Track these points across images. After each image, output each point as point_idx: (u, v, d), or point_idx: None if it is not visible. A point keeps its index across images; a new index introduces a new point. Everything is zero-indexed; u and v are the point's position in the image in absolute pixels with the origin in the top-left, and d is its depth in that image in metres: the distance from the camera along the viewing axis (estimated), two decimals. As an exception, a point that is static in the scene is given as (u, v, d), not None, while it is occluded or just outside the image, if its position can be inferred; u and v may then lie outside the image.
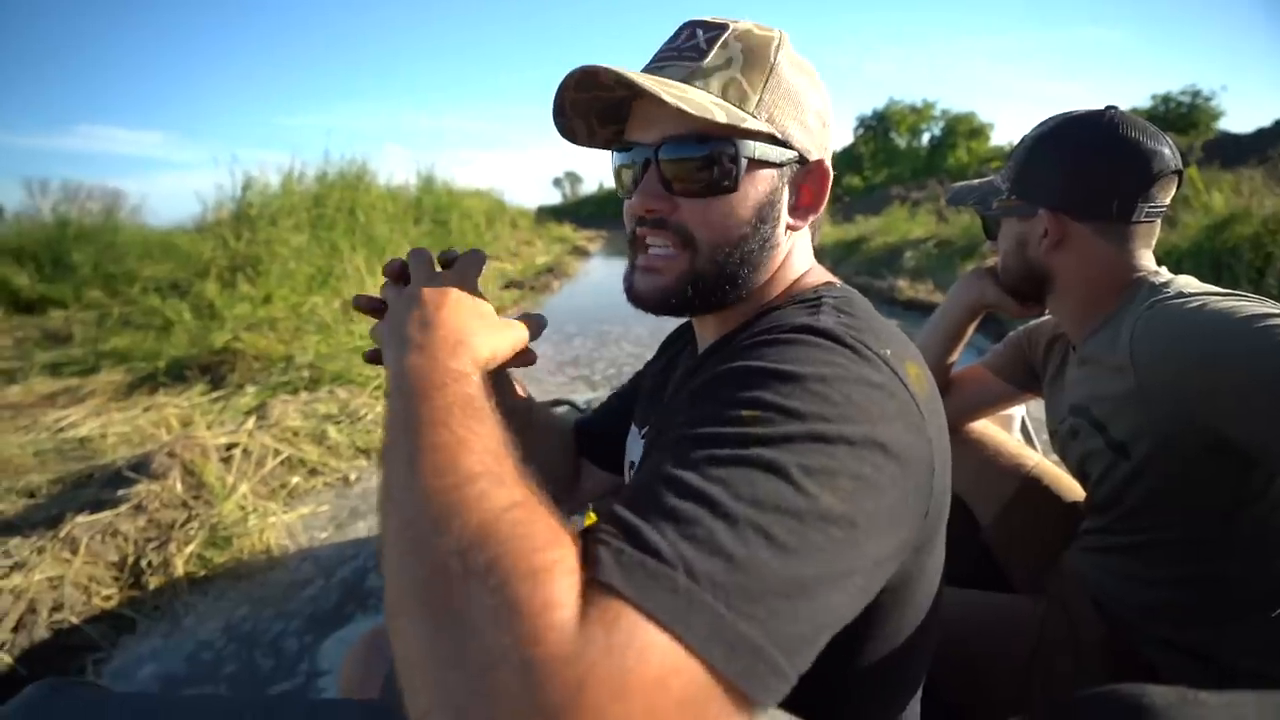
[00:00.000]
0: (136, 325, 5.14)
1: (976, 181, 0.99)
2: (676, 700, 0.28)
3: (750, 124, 0.52)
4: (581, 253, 14.57)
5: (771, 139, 0.55)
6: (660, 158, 0.54)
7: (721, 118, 0.50)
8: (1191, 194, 5.14)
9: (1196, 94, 23.53)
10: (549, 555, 0.31)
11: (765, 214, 0.56)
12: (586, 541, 0.33)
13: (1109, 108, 0.81)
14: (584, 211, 36.81)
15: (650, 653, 0.28)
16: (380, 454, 0.40)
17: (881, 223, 10.60)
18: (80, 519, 2.19)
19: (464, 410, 0.40)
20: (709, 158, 0.53)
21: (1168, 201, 0.79)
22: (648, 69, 0.55)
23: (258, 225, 6.26)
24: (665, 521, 0.33)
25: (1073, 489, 1.05)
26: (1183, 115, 22.80)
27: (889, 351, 0.46)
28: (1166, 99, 23.90)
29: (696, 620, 0.30)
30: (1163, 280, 0.78)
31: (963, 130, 31.90)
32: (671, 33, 0.57)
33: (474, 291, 0.56)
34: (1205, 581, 0.75)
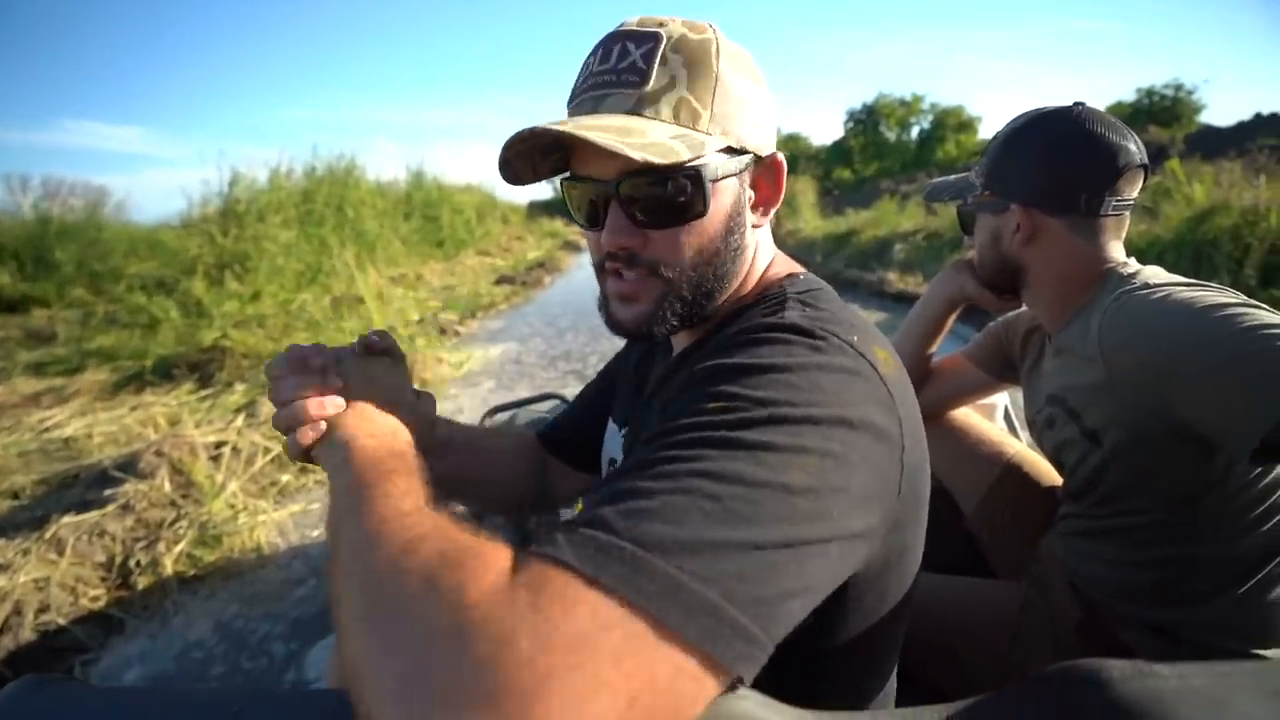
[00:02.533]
0: (122, 323, 5.09)
1: (953, 177, 1.01)
2: (612, 655, 0.28)
3: (709, 145, 0.51)
4: (573, 247, 14.53)
5: (729, 150, 0.54)
6: (623, 193, 0.52)
7: (685, 155, 0.49)
8: (1173, 186, 5.21)
9: (1179, 88, 23.76)
10: (469, 547, 0.34)
11: (733, 225, 0.56)
12: (554, 529, 0.34)
13: (1076, 104, 0.82)
14: (574, 217, 36.55)
15: (579, 609, 0.29)
16: (330, 521, 0.45)
17: (871, 216, 10.63)
18: (66, 520, 2.18)
19: (393, 476, 0.45)
20: (671, 189, 0.51)
21: (1134, 195, 0.81)
22: (584, 96, 0.53)
23: (245, 221, 6.20)
24: (621, 501, 0.34)
25: (1052, 476, 1.07)
26: (1166, 108, 23.02)
27: (855, 338, 0.47)
28: (1150, 92, 24.12)
29: (645, 583, 0.31)
30: (1131, 271, 0.80)
31: (951, 123, 32.06)
32: (596, 47, 0.54)
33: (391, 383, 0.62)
34: (1175, 563, 0.77)
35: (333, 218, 7.32)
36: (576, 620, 0.29)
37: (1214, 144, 10.23)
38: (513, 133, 0.49)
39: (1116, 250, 0.83)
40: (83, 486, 2.53)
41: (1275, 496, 0.71)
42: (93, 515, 2.22)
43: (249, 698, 0.38)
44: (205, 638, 1.83)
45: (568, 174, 0.57)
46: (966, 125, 32.02)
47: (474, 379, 4.28)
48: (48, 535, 2.11)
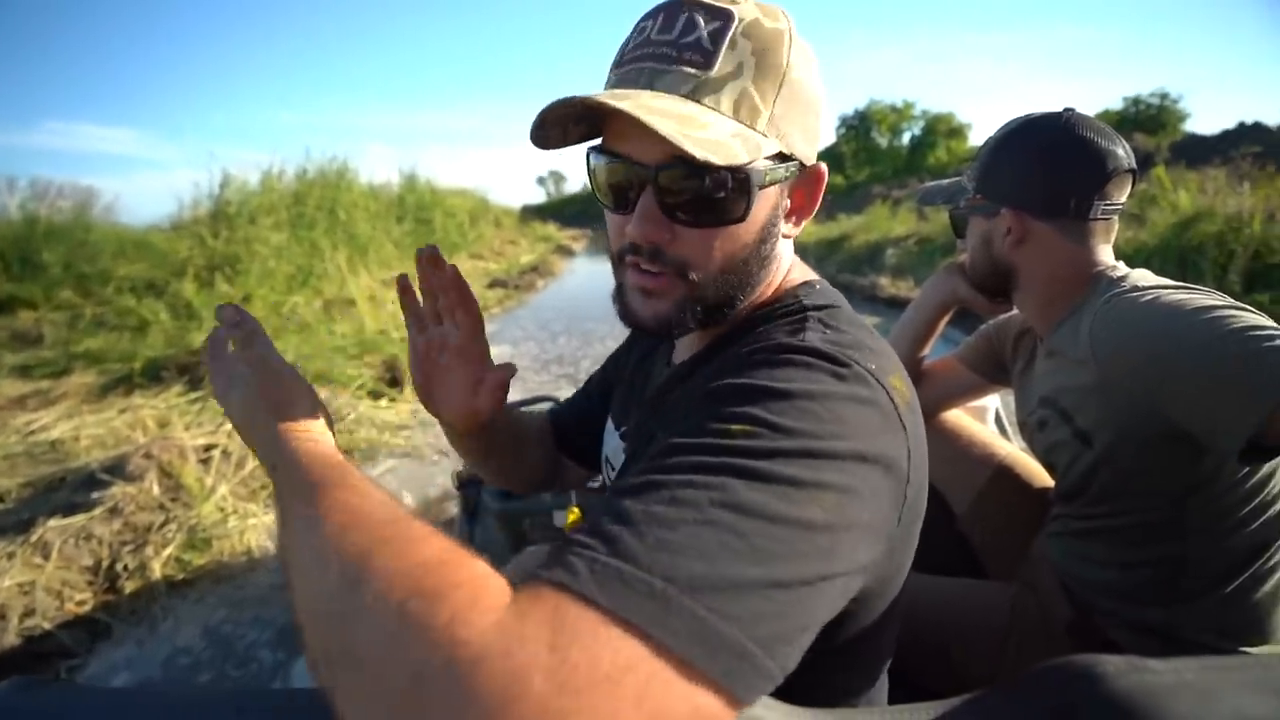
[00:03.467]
0: (111, 326, 5.04)
1: (945, 181, 1.02)
2: (634, 696, 0.27)
3: (765, 148, 0.48)
4: (566, 252, 14.54)
5: (779, 155, 0.50)
6: (661, 181, 0.48)
7: (744, 158, 0.45)
8: (1159, 193, 5.27)
9: (1164, 96, 24.06)
10: (457, 566, 0.32)
11: (767, 234, 0.53)
12: (565, 551, 0.32)
13: (1066, 110, 0.83)
14: (568, 210, 36.60)
15: (600, 648, 0.28)
16: (279, 521, 0.41)
17: (863, 221, 10.71)
18: (52, 523, 2.15)
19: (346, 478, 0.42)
20: (720, 187, 0.47)
21: (1123, 199, 0.82)
22: (638, 65, 0.49)
23: (236, 224, 6.17)
24: (644, 527, 0.33)
25: (1043, 478, 1.08)
26: (1152, 116, 23.30)
27: (874, 366, 0.46)
28: (1137, 101, 24.40)
29: (674, 622, 0.29)
30: (1120, 274, 0.81)
31: (942, 130, 32.34)
32: (655, 10, 0.49)
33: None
34: (1164, 563, 0.78)
35: (325, 220, 7.29)
36: (599, 661, 0.27)
37: (1199, 152, 10.37)
38: (559, 97, 0.45)
39: (1106, 254, 0.84)
40: (69, 490, 2.50)
41: (1262, 495, 0.72)
42: (80, 519, 2.19)
43: (243, 697, 0.38)
44: (193, 643, 1.81)
45: (598, 144, 0.52)
46: (957, 131, 32.31)
47: (467, 382, 4.26)
48: (33, 539, 2.08)
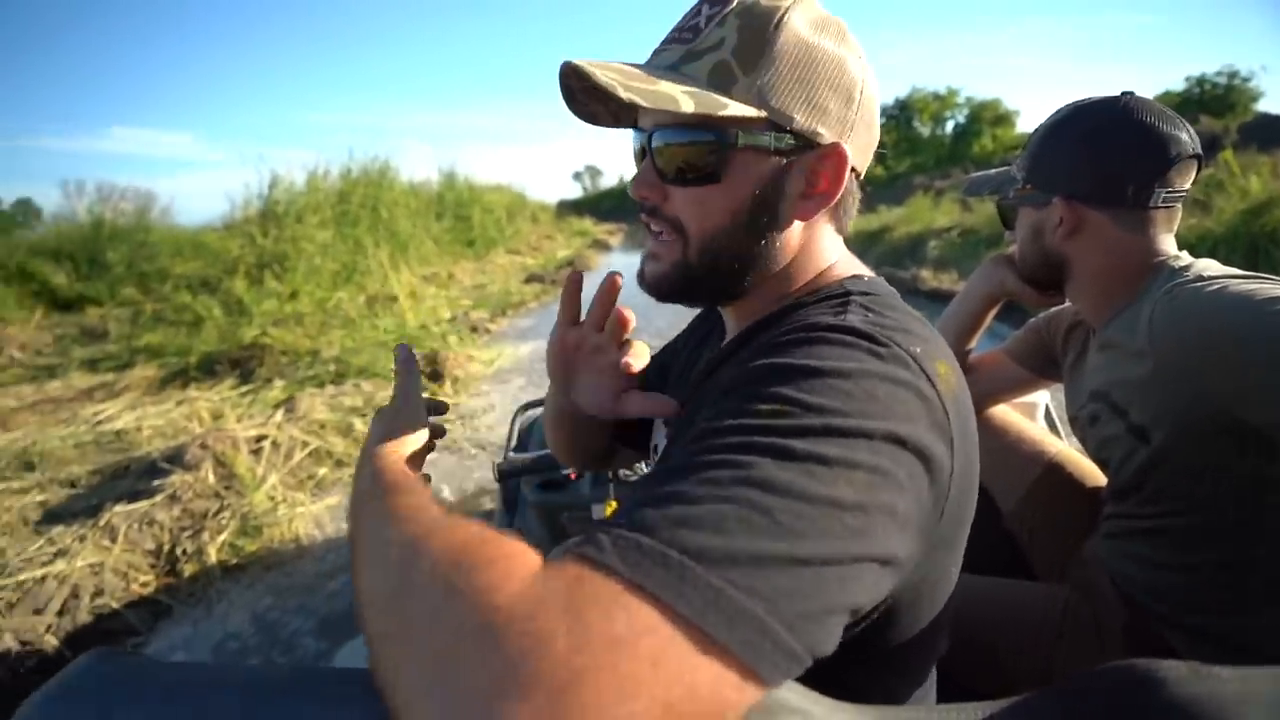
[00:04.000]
0: (168, 321, 5.29)
1: (993, 171, 0.98)
2: (650, 658, 0.28)
3: (732, 110, 0.49)
4: (602, 246, 14.60)
5: (768, 124, 0.51)
6: (654, 145, 0.53)
7: (688, 107, 0.47)
8: (1226, 178, 4.99)
9: (1234, 75, 22.70)
10: (495, 545, 0.34)
11: (761, 205, 0.53)
12: (595, 529, 0.34)
13: (1125, 93, 0.79)
14: (604, 205, 36.69)
15: (617, 611, 0.29)
16: (351, 515, 0.47)
17: (904, 212, 10.45)
18: (119, 508, 2.28)
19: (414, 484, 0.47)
20: (689, 148, 0.51)
21: (1187, 186, 0.78)
22: (654, 50, 0.55)
23: (284, 222, 6.40)
24: (667, 504, 0.34)
25: (1096, 476, 1.03)
26: (1218, 97, 22.03)
27: (918, 349, 0.44)
28: (1201, 81, 23.09)
29: (690, 591, 0.30)
30: (1183, 264, 0.77)
31: (987, 117, 31.28)
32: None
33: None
34: (1227, 567, 0.74)
35: (367, 218, 7.49)
36: (614, 622, 0.28)
37: (1271, 133, 9.79)
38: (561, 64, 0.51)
39: (1167, 243, 0.80)
40: (133, 477, 2.64)
41: None
42: (143, 505, 2.31)
43: (300, 677, 0.40)
44: (242, 629, 1.88)
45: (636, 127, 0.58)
46: (1004, 119, 31.21)
47: (504, 376, 4.33)
48: (102, 523, 2.21)
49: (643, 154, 0.55)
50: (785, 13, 0.51)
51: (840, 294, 0.53)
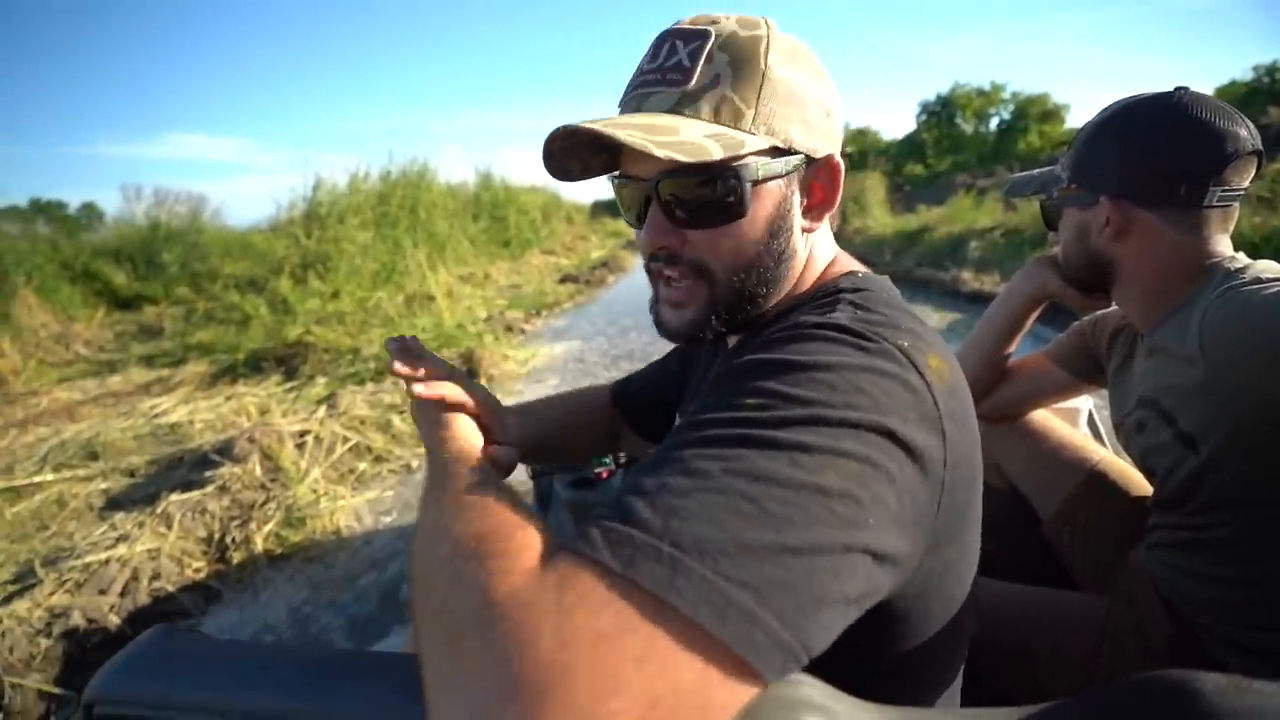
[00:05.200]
0: (219, 320, 5.51)
1: (1036, 171, 0.96)
2: (635, 655, 0.28)
3: (749, 145, 0.50)
4: (635, 246, 14.59)
5: (774, 150, 0.52)
6: (661, 192, 0.52)
7: (718, 154, 0.47)
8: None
9: (1308, 63, 21.41)
10: (504, 536, 0.36)
11: (778, 228, 0.54)
12: (589, 524, 0.34)
13: (1178, 89, 0.77)
14: (624, 217, 36.60)
15: (605, 608, 0.29)
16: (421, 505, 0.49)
17: (945, 212, 10.18)
18: (174, 497, 2.39)
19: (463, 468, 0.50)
20: (709, 188, 0.51)
21: (1245, 185, 0.75)
22: (631, 95, 0.53)
23: (327, 224, 6.58)
24: (657, 496, 0.34)
25: (1140, 485, 1.00)
26: (1289, 88, 20.84)
27: (906, 343, 0.44)
28: (1272, 69, 21.82)
29: (681, 584, 0.30)
30: (1239, 266, 0.74)
31: (1034, 113, 30.24)
32: (649, 47, 0.54)
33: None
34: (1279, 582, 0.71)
35: (406, 219, 7.66)
36: (600, 620, 0.29)
37: (1344, 127, 9.23)
38: (552, 128, 0.50)
39: (1222, 244, 0.77)
40: (186, 468, 2.76)
41: None
42: (195, 494, 2.42)
43: (350, 658, 0.42)
44: (278, 621, 1.93)
45: (618, 173, 0.57)
46: (1051, 114, 30.11)
47: (539, 375, 4.39)
48: (158, 511, 2.32)
49: (645, 203, 0.54)
50: (768, 41, 0.52)
51: (832, 292, 0.54)
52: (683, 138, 0.48)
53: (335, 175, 7.45)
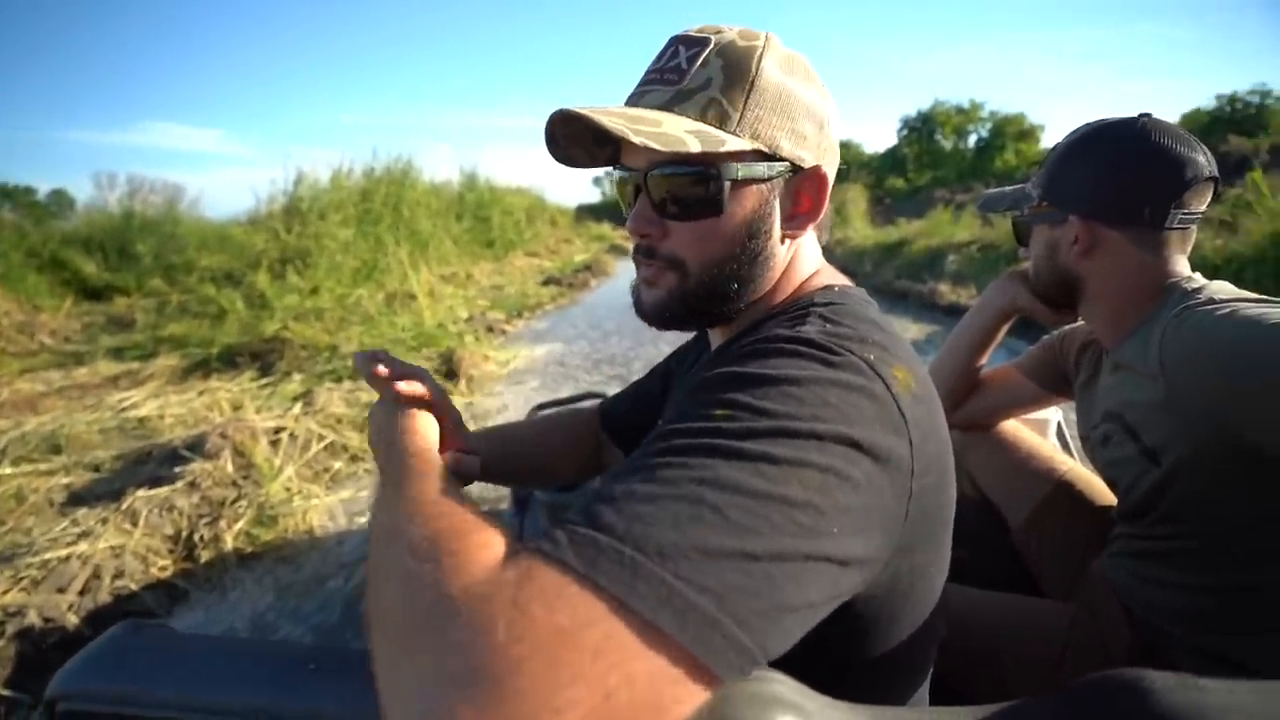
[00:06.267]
0: (193, 313, 5.39)
1: (1009, 188, 0.99)
2: (592, 649, 0.28)
3: (730, 145, 0.51)
4: (619, 251, 14.62)
5: (758, 155, 0.54)
6: (648, 184, 0.55)
7: (695, 147, 0.50)
8: (1255, 199, 4.90)
9: (1266, 94, 22.24)
10: (463, 534, 0.36)
11: (755, 230, 0.56)
12: (554, 527, 0.34)
13: (1142, 115, 0.80)
14: (623, 210, 36.68)
15: (561, 604, 0.30)
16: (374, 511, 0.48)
17: (924, 226, 10.35)
18: (140, 493, 2.33)
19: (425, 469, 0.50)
20: (690, 183, 0.53)
21: (1202, 208, 0.78)
22: (633, 92, 0.56)
23: (308, 219, 6.49)
24: (623, 503, 0.34)
25: (1105, 495, 1.03)
26: (1250, 116, 21.57)
27: (872, 355, 0.46)
28: (1233, 99, 22.63)
29: (642, 587, 0.30)
30: (1195, 286, 0.77)
31: (1011, 132, 31.01)
32: (660, 49, 0.57)
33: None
34: (1236, 590, 0.74)
35: (389, 217, 7.58)
36: (557, 615, 0.29)
37: (1303, 156, 9.58)
38: (551, 111, 0.52)
39: (1180, 265, 0.81)
40: (155, 463, 2.70)
41: None
42: (163, 491, 2.37)
43: (318, 654, 0.42)
44: (242, 627, 1.87)
45: (616, 165, 0.60)
46: (1028, 134, 30.91)
47: (519, 377, 4.37)
48: (124, 507, 2.26)
49: (636, 191, 0.57)
50: (762, 51, 0.54)
51: (805, 306, 0.55)
52: (664, 130, 0.50)
53: (318, 170, 7.36)
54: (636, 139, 0.48)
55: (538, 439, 0.88)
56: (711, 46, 0.54)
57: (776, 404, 0.40)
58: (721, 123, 0.52)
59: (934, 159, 31.71)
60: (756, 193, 0.55)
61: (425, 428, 0.58)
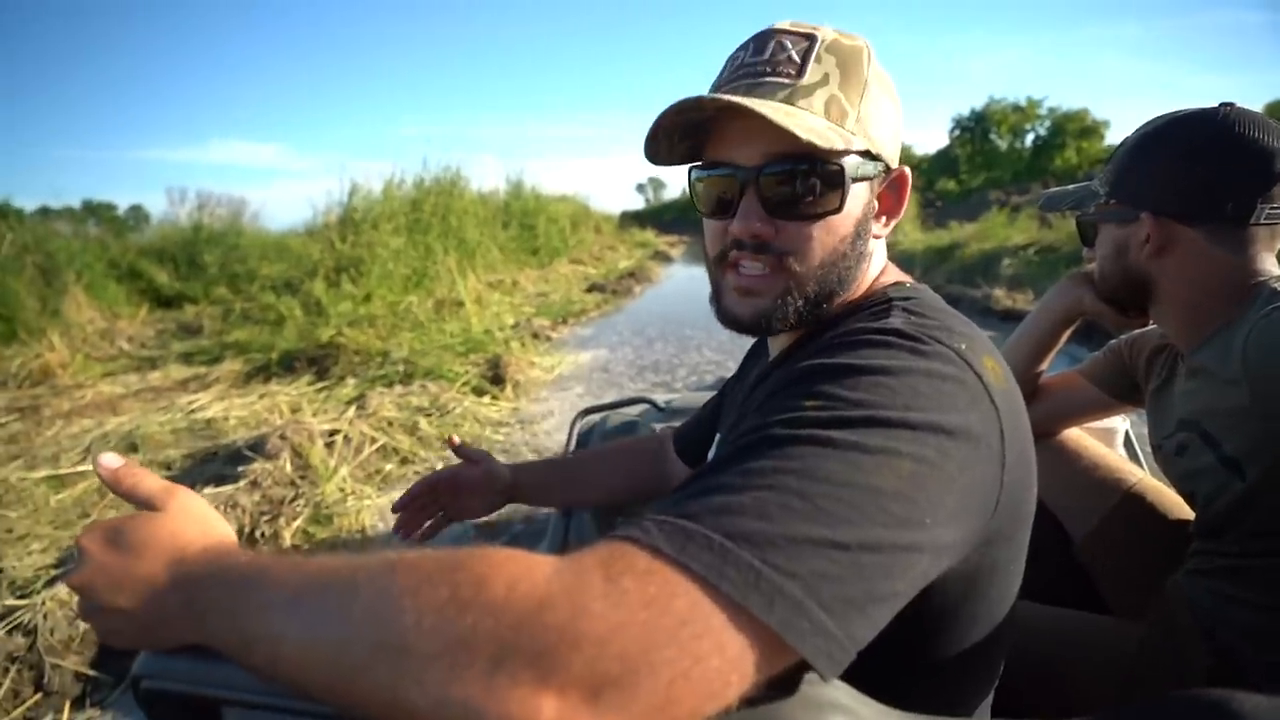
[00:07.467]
0: (254, 320, 5.65)
1: (1073, 186, 0.95)
2: (680, 618, 0.29)
3: (855, 143, 0.51)
4: (663, 257, 14.66)
5: (867, 154, 0.54)
6: (763, 180, 0.52)
7: (838, 144, 0.49)
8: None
9: (1359, 83, 20.65)
10: (487, 562, 0.31)
11: (862, 229, 0.56)
12: (640, 519, 0.34)
13: (1224, 104, 0.76)
14: (666, 216, 36.80)
15: (652, 578, 0.30)
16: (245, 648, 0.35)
17: (977, 228, 10.02)
18: (208, 490, 2.45)
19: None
20: (817, 180, 0.51)
21: None
22: (736, 83, 0.53)
23: (361, 229, 6.73)
24: (710, 495, 0.35)
25: (1179, 509, 0.97)
26: (1344, 106, 20.10)
27: (963, 345, 0.45)
28: (1321, 90, 21.09)
29: (731, 571, 0.31)
30: None
31: (1072, 129, 29.66)
32: (746, 42, 0.55)
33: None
34: (1331, 613, 0.69)
35: (438, 226, 7.79)
36: (647, 587, 0.30)
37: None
38: (673, 101, 0.50)
39: (1268, 263, 0.76)
40: (220, 462, 2.84)
41: None
42: (228, 489, 2.49)
43: None
44: None
45: (699, 163, 0.58)
46: (1090, 130, 29.50)
47: (564, 383, 4.42)
48: (192, 504, 2.38)
49: (740, 190, 0.53)
50: (869, 50, 0.55)
51: (883, 300, 0.55)
52: (805, 120, 0.49)
53: (371, 181, 7.63)
54: (803, 134, 0.47)
55: (599, 464, 0.96)
56: (820, 43, 0.53)
57: (866, 394, 0.40)
58: (842, 120, 0.52)
59: (988, 159, 30.62)
60: (864, 192, 0.56)
61: (196, 517, 0.45)
